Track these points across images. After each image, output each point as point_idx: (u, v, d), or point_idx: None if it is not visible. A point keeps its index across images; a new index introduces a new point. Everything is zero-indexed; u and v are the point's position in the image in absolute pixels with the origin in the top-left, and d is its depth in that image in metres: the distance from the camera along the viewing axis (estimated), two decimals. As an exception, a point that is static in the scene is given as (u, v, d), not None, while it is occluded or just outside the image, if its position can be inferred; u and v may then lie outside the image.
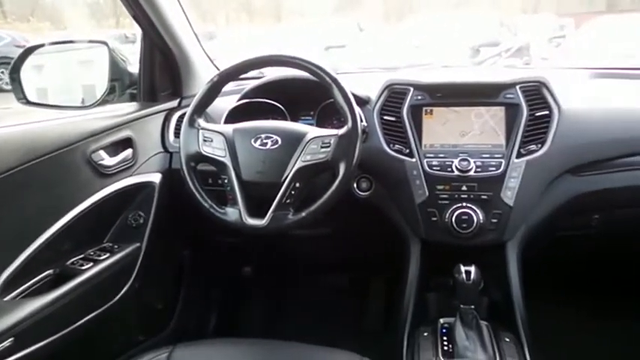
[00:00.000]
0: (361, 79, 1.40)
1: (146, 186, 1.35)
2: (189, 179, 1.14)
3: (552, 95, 1.21)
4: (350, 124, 1.08)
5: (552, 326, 1.45)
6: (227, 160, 1.12)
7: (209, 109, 1.30)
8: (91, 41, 1.46)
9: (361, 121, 1.24)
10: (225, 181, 1.13)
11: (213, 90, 1.18)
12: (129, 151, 1.31)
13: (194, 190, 1.13)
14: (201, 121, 1.18)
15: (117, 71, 1.41)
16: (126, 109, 1.38)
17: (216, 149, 1.14)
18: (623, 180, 1.21)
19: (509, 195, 1.17)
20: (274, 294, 1.90)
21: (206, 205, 1.13)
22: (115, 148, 1.28)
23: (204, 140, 1.15)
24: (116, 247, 1.26)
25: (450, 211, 1.18)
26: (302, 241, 1.55)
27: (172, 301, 1.62)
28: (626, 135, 1.22)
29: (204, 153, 1.14)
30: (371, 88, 1.33)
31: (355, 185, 1.30)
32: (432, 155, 1.23)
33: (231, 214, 1.10)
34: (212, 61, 1.63)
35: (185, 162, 1.15)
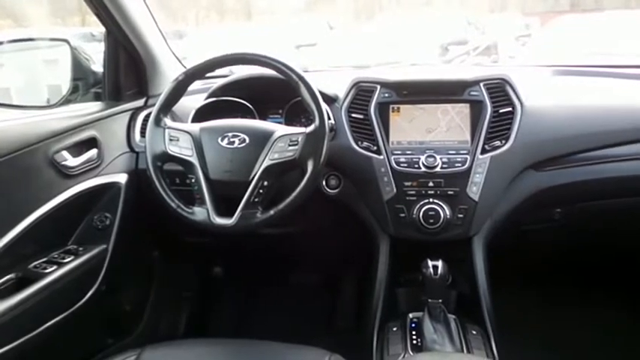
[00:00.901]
0: (332, 77, 1.41)
1: (112, 186, 1.32)
2: (156, 179, 1.13)
3: (515, 92, 1.24)
4: (317, 122, 1.08)
5: (518, 317, 1.49)
6: (194, 160, 1.11)
7: (176, 108, 1.29)
8: (52, 39, 1.43)
9: (329, 118, 1.25)
10: (193, 180, 1.12)
11: (179, 89, 1.17)
12: (93, 152, 1.29)
13: (161, 190, 1.12)
14: (167, 120, 1.17)
15: (80, 70, 1.38)
16: (90, 108, 1.35)
17: (183, 148, 1.13)
18: (582, 174, 1.25)
19: (474, 190, 1.19)
20: (246, 293, 1.89)
21: (173, 205, 1.11)
22: (79, 148, 1.25)
23: (171, 139, 1.14)
24: (81, 249, 1.24)
25: (417, 207, 1.20)
26: (272, 239, 1.55)
27: (141, 303, 1.59)
28: (585, 131, 1.25)
29: (170, 152, 1.13)
30: (341, 86, 1.33)
31: (324, 183, 1.30)
32: (399, 152, 1.24)
33: (199, 213, 1.09)
34: (179, 60, 1.61)
35: (151, 162, 1.13)
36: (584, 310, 1.66)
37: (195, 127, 1.15)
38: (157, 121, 1.16)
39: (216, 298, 1.84)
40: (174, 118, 1.38)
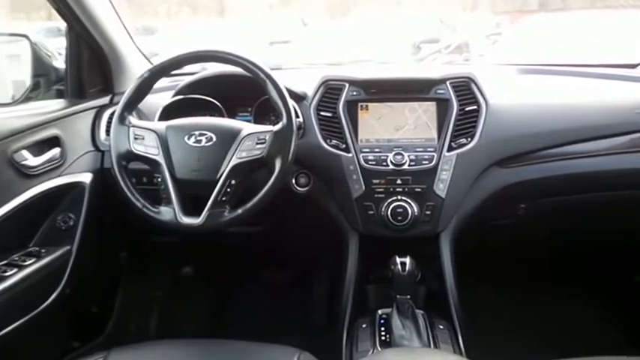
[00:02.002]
0: (305, 74, 1.40)
1: (76, 186, 1.29)
2: (121, 178, 1.11)
3: (480, 91, 1.26)
4: (285, 120, 1.08)
5: (485, 311, 1.52)
6: (160, 159, 1.10)
7: (142, 106, 1.27)
8: (11, 34, 1.38)
9: (297, 116, 1.25)
10: (159, 179, 1.10)
11: (144, 86, 1.15)
12: (56, 151, 1.25)
13: (126, 190, 1.10)
14: (132, 118, 1.15)
15: (41, 66, 1.34)
16: (52, 106, 1.32)
17: (148, 147, 1.11)
18: (544, 171, 1.28)
19: (441, 187, 1.21)
20: (217, 293, 1.87)
21: (139, 204, 1.10)
22: (40, 147, 1.22)
23: (136, 138, 1.12)
24: (44, 251, 1.21)
25: (385, 205, 1.21)
26: (242, 238, 1.54)
27: (109, 305, 1.57)
28: (548, 128, 1.28)
29: (135, 151, 1.11)
30: (314, 83, 1.33)
31: (293, 181, 1.30)
32: (367, 150, 1.25)
33: (166, 213, 1.08)
34: (146, 57, 1.58)
35: (116, 161, 1.11)
36: (549, 303, 1.71)
37: (161, 126, 1.14)
38: (122, 120, 1.14)
39: (187, 298, 1.82)
40: (141, 117, 1.36)
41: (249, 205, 1.07)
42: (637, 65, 1.54)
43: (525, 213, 1.34)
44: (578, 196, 1.34)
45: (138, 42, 1.57)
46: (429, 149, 1.24)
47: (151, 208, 1.09)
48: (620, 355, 0.90)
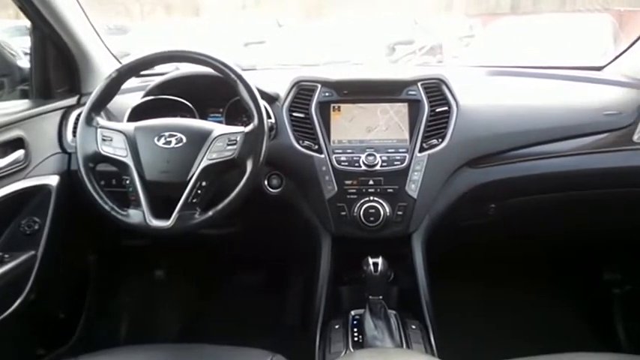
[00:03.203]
0: (280, 75, 1.40)
1: (41, 189, 1.25)
2: (88, 181, 1.08)
3: (451, 92, 1.28)
4: (256, 121, 1.07)
5: (458, 310, 1.54)
6: (128, 160, 1.08)
7: (111, 107, 1.25)
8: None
9: (269, 117, 1.25)
10: (128, 181, 1.08)
11: (112, 86, 1.13)
12: (20, 152, 1.21)
13: (93, 193, 1.08)
14: (99, 119, 1.13)
15: (4, 66, 1.30)
16: (16, 107, 1.28)
17: (116, 149, 1.09)
18: (514, 171, 1.30)
19: (413, 188, 1.21)
20: (189, 296, 1.85)
21: (107, 207, 1.07)
22: (3, 149, 1.18)
23: (104, 139, 1.10)
24: (7, 256, 1.17)
25: (358, 206, 1.21)
26: (215, 240, 1.52)
27: (77, 311, 1.52)
28: (517, 129, 1.31)
29: (103, 153, 1.09)
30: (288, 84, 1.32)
31: (266, 182, 1.29)
32: (340, 151, 1.25)
33: (135, 216, 1.06)
34: (115, 56, 1.55)
35: (83, 163, 1.09)
36: (520, 301, 1.74)
37: (130, 127, 1.12)
38: (89, 120, 1.11)
39: (159, 302, 1.79)
40: (110, 117, 1.33)
41: (219, 207, 1.06)
42: (603, 68, 1.58)
43: (496, 213, 1.36)
44: (548, 195, 1.37)
45: (110, 41, 1.54)
46: (400, 150, 1.24)
47: (119, 210, 1.07)
48: (588, 352, 0.92)
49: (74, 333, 1.50)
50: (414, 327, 1.16)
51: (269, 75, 1.59)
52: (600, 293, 1.72)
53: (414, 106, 1.27)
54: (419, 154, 1.23)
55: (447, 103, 1.27)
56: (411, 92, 1.27)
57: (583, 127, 1.32)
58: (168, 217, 1.04)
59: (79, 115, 1.35)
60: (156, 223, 1.04)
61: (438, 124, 1.25)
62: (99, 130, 1.10)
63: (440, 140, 1.24)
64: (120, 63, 1.51)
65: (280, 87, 1.33)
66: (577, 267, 1.76)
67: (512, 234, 1.48)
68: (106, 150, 1.09)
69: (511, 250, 1.63)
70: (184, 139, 1.09)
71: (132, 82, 1.47)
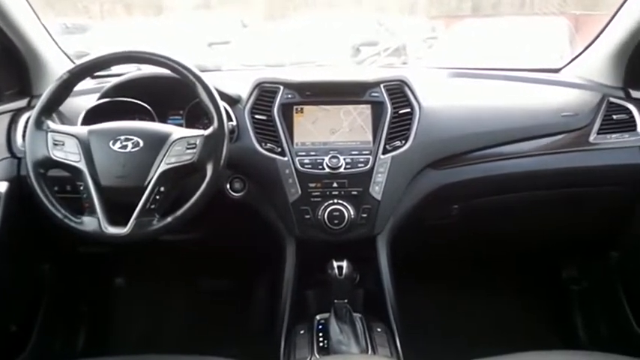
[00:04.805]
0: (244, 76, 1.37)
1: None
2: (38, 187, 1.03)
3: (413, 93, 1.28)
4: (216, 123, 1.05)
5: (423, 312, 1.55)
6: (82, 165, 1.04)
7: (65, 110, 1.20)
8: None
9: (230, 120, 1.22)
10: (81, 187, 1.04)
11: (64, 88, 1.08)
12: (-36, 158, 1.15)
13: (44, 199, 1.03)
14: (50, 123, 1.08)
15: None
16: None
17: (68, 153, 1.05)
18: (476, 172, 1.31)
19: (377, 190, 1.21)
20: (151, 303, 1.79)
21: (59, 215, 1.03)
22: (-54, 154, 1.11)
23: (55, 144, 1.06)
24: None
25: (322, 208, 1.20)
26: (177, 246, 1.48)
27: (30, 322, 1.45)
28: (478, 130, 1.32)
29: (54, 158, 1.04)
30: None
31: (228, 186, 1.27)
32: (303, 153, 1.24)
33: (89, 223, 1.02)
34: (69, 57, 1.49)
35: (32, 168, 1.04)
36: (485, 301, 1.76)
37: (83, 130, 1.07)
38: (39, 124, 1.06)
39: (119, 311, 1.73)
40: (63, 121, 1.28)
41: (179, 212, 1.03)
42: (560, 70, 1.62)
43: (459, 213, 1.37)
44: (509, 195, 1.39)
45: (68, 41, 1.48)
46: (364, 152, 1.24)
47: (72, 218, 1.03)
48: (551, 349, 0.94)
49: (27, 346, 1.43)
50: (379, 330, 1.16)
51: (234, 76, 1.56)
52: (560, 291, 1.76)
53: (377, 107, 1.27)
54: (382, 156, 1.22)
55: (410, 105, 1.27)
56: (373, 94, 1.27)
57: (542, 127, 1.35)
58: (125, 223, 1.01)
59: (29, 118, 1.29)
60: (112, 230, 1.01)
61: (401, 126, 1.25)
62: (50, 134, 1.06)
63: (403, 142, 1.24)
64: (74, 63, 1.46)
65: (242, 88, 1.30)
66: (538, 266, 1.80)
67: (476, 234, 1.50)
68: (58, 155, 1.04)
69: (474, 250, 1.65)
70: (141, 143, 1.05)
71: (87, 84, 1.42)
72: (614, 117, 1.37)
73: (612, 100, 1.40)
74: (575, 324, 1.70)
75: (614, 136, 1.35)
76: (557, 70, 1.62)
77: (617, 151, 1.35)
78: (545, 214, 1.46)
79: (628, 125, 1.36)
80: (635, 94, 1.41)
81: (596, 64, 1.48)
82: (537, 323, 1.75)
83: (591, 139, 1.35)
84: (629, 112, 1.38)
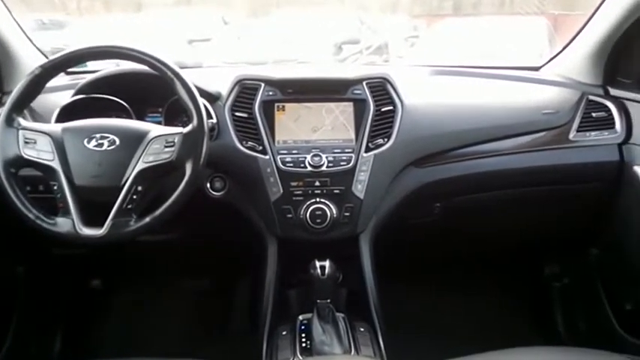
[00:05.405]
0: (226, 73, 1.34)
1: None
2: (9, 187, 1.00)
3: (396, 91, 1.27)
4: (195, 121, 1.02)
5: (407, 310, 1.54)
6: (55, 164, 1.00)
7: (38, 107, 1.17)
8: None
9: (210, 117, 1.20)
10: (55, 187, 1.01)
11: (35, 84, 1.05)
12: None
13: (15, 200, 0.99)
14: (21, 120, 1.04)
15: None
16: None
17: (41, 152, 1.01)
18: (458, 170, 1.31)
19: (359, 188, 1.20)
20: (131, 305, 1.76)
21: (31, 216, 0.99)
22: None
23: (26, 142, 1.02)
24: None
25: (304, 207, 1.18)
26: (157, 246, 1.45)
27: (4, 326, 1.41)
28: (460, 128, 1.32)
29: (25, 157, 1.01)
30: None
31: (208, 185, 1.25)
32: (285, 152, 1.22)
33: (63, 224, 0.99)
34: (42, 52, 1.45)
35: (2, 167, 1.00)
36: (468, 299, 1.77)
37: (57, 128, 1.04)
38: (9, 121, 1.03)
39: (96, 314, 1.69)
40: (37, 118, 1.24)
41: (157, 212, 1.00)
42: (540, 68, 1.63)
43: (441, 211, 1.37)
44: (491, 193, 1.39)
45: (44, 37, 1.44)
46: (346, 150, 1.22)
47: (45, 219, 0.99)
48: (532, 346, 0.94)
49: (0, 351, 1.39)
50: (362, 329, 1.15)
51: (215, 73, 1.53)
52: (542, 288, 1.77)
53: (360, 105, 1.26)
54: (365, 154, 1.21)
55: (392, 103, 1.26)
56: (356, 91, 1.26)
57: (523, 125, 1.35)
58: (101, 224, 0.98)
59: None
60: (87, 231, 0.98)
61: (383, 124, 1.24)
62: (21, 131, 1.02)
63: (386, 140, 1.23)
64: (47, 59, 1.42)
65: (226, 85, 1.28)
66: (520, 263, 1.82)
67: (458, 232, 1.50)
68: (29, 153, 1.01)
69: (457, 248, 1.66)
70: (118, 141, 1.02)
71: (62, 80, 1.38)
72: (594, 115, 1.38)
73: (591, 98, 1.41)
74: (557, 321, 1.72)
75: (593, 133, 1.36)
76: (537, 69, 1.63)
77: (597, 149, 1.36)
78: (526, 212, 1.47)
79: (607, 123, 1.38)
80: (613, 92, 1.42)
81: (576, 63, 1.49)
82: (519, 320, 1.76)
83: (571, 136, 1.36)
84: (608, 110, 1.39)
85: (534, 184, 1.38)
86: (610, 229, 1.45)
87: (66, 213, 0.99)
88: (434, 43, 5.31)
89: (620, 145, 1.36)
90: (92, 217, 1.00)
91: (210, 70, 1.67)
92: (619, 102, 1.40)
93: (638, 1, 1.24)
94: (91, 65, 1.47)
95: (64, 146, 1.01)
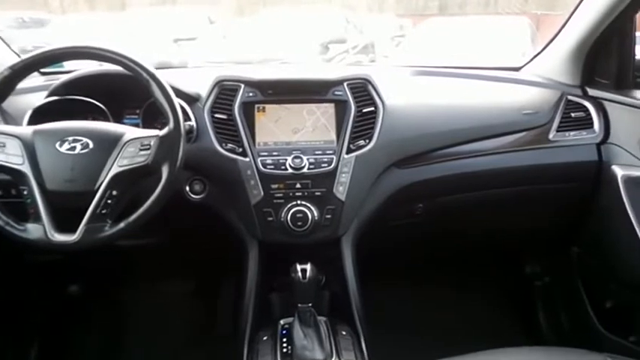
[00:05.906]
0: (209, 73, 1.32)
1: None
2: None
3: (377, 92, 1.26)
4: (171, 123, 1.00)
5: (390, 313, 1.54)
6: (25, 169, 0.97)
7: (9, 109, 1.14)
8: None
9: (188, 119, 1.17)
10: (25, 192, 0.98)
11: (4, 85, 1.02)
12: None
13: None
14: None
15: None
16: None
17: (10, 156, 0.98)
18: (440, 170, 1.31)
19: (341, 190, 1.19)
20: (109, 312, 1.72)
21: (0, 222, 0.96)
22: None
23: None
24: None
25: (285, 210, 1.17)
26: (135, 251, 1.42)
27: None
28: (442, 128, 1.32)
29: None
30: None
31: (187, 188, 1.22)
32: (265, 154, 1.20)
33: (34, 230, 0.96)
34: (15, 52, 1.41)
35: None
36: (450, 301, 1.77)
37: (27, 131, 1.01)
38: None
39: (74, 321, 1.66)
40: (8, 121, 1.20)
41: (132, 217, 0.98)
42: (520, 68, 1.63)
43: (424, 212, 1.37)
44: (473, 193, 1.39)
45: (24, 35, 1.40)
46: (328, 152, 1.21)
47: (15, 225, 0.96)
48: (516, 345, 0.93)
49: None
50: (344, 333, 1.13)
51: (198, 73, 1.51)
52: (524, 287, 1.78)
53: (341, 106, 1.24)
54: (346, 156, 1.20)
55: (374, 104, 1.25)
56: (337, 92, 1.25)
57: (504, 126, 1.35)
58: (74, 230, 0.95)
59: None
60: (59, 237, 0.95)
61: (364, 125, 1.23)
62: None
63: (367, 141, 1.22)
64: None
65: (206, 86, 1.25)
66: (503, 262, 1.82)
67: (440, 232, 1.50)
68: None
69: (440, 248, 1.65)
70: (91, 144, 1.00)
71: (35, 81, 1.35)
72: (573, 115, 1.39)
73: (570, 98, 1.41)
74: (539, 319, 1.72)
75: (572, 133, 1.37)
76: (517, 69, 1.64)
77: (576, 149, 1.37)
78: (507, 211, 1.47)
79: (585, 123, 1.38)
80: (591, 92, 1.43)
81: (555, 63, 1.49)
82: (502, 319, 1.77)
83: (551, 136, 1.36)
84: (586, 110, 1.40)
85: (515, 184, 1.38)
86: (590, 227, 1.46)
87: (37, 219, 0.96)
88: (419, 42, 5.33)
89: (598, 145, 1.36)
90: (65, 223, 0.97)
91: (194, 71, 1.64)
92: (597, 102, 1.40)
93: (614, 3, 1.24)
94: (67, 65, 1.44)
95: (35, 150, 0.99)
